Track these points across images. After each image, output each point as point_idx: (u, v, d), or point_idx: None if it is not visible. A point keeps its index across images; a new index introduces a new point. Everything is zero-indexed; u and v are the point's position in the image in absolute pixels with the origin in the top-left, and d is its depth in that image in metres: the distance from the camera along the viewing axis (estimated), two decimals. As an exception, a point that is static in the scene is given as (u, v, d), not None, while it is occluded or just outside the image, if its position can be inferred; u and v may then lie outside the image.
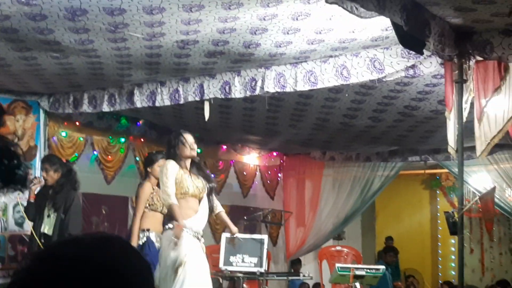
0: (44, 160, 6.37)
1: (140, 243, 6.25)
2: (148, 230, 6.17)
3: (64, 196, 5.99)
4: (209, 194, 5.46)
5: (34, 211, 6.08)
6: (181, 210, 5.14)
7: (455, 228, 4.65)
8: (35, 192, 6.16)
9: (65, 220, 5.90)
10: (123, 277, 1.00)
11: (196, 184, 5.29)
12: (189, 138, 5.30)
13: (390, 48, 4.91)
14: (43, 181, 6.15)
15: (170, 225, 5.17)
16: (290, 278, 8.30)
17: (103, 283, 0.98)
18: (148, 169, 6.38)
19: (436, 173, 11.62)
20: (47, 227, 5.99)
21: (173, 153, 5.28)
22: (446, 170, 10.17)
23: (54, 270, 0.98)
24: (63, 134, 7.51)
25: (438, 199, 12.20)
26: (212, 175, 5.90)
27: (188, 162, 5.32)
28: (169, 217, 5.29)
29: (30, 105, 7.10)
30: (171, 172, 5.17)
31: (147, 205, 6.25)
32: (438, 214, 12.02)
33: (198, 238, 5.22)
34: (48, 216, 6.06)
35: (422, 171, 10.33)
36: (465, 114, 4.67)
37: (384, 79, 5.21)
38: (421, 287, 11.39)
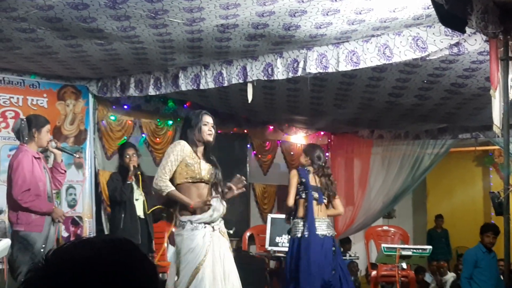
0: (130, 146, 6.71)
1: (299, 235, 6.15)
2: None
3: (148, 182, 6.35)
4: (216, 182, 4.88)
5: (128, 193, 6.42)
6: (190, 197, 4.73)
7: (501, 208, 4.57)
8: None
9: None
10: (132, 278, 1.05)
11: (208, 167, 4.83)
12: (210, 120, 4.91)
13: (433, 26, 4.81)
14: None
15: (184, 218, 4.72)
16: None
17: (114, 284, 1.02)
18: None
19: (489, 150, 11.36)
20: (139, 209, 6.43)
21: (190, 134, 4.87)
22: (498, 147, 9.94)
23: (66, 271, 1.03)
24: (112, 117, 7.68)
25: (491, 176, 11.94)
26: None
27: (201, 147, 4.90)
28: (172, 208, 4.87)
29: (79, 90, 7.27)
30: (176, 156, 4.73)
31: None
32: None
33: (215, 228, 4.75)
34: (137, 199, 6.46)
35: (473, 148, 10.12)
36: (511, 92, 4.55)
37: (427, 58, 5.12)
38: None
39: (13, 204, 5.25)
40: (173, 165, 4.71)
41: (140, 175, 6.48)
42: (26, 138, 5.32)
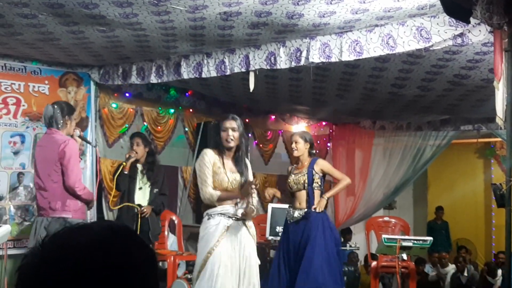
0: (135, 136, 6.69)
1: None
2: None
3: (158, 172, 6.57)
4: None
5: (127, 183, 6.41)
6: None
7: (502, 200, 4.55)
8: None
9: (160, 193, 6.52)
10: (129, 265, 1.04)
11: (233, 177, 4.91)
12: (230, 125, 4.92)
13: (437, 16, 4.78)
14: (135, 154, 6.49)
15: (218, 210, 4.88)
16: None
17: (110, 272, 1.01)
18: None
19: (491, 142, 11.35)
20: (140, 199, 6.45)
21: (218, 141, 5.02)
22: (500, 139, 9.91)
23: (62, 258, 1.02)
24: (114, 105, 7.66)
25: (492, 168, 11.93)
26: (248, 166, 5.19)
27: (231, 150, 4.96)
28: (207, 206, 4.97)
29: (81, 77, 7.25)
30: (207, 165, 4.85)
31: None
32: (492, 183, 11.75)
33: (240, 220, 4.89)
34: (140, 188, 6.47)
35: (475, 140, 10.10)
36: (515, 84, 4.52)
37: (431, 48, 5.09)
38: (474, 257, 11.24)
39: (68, 192, 5.27)
40: (209, 175, 4.85)
41: (144, 164, 6.50)
42: (60, 125, 5.34)
